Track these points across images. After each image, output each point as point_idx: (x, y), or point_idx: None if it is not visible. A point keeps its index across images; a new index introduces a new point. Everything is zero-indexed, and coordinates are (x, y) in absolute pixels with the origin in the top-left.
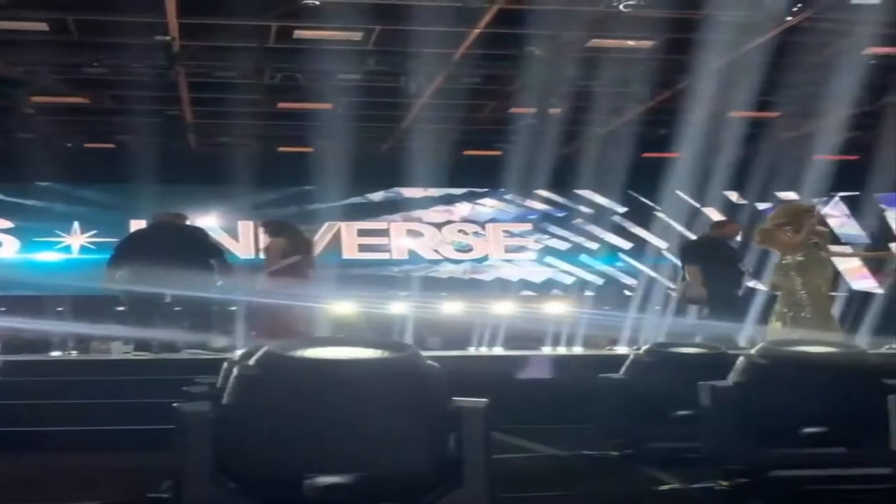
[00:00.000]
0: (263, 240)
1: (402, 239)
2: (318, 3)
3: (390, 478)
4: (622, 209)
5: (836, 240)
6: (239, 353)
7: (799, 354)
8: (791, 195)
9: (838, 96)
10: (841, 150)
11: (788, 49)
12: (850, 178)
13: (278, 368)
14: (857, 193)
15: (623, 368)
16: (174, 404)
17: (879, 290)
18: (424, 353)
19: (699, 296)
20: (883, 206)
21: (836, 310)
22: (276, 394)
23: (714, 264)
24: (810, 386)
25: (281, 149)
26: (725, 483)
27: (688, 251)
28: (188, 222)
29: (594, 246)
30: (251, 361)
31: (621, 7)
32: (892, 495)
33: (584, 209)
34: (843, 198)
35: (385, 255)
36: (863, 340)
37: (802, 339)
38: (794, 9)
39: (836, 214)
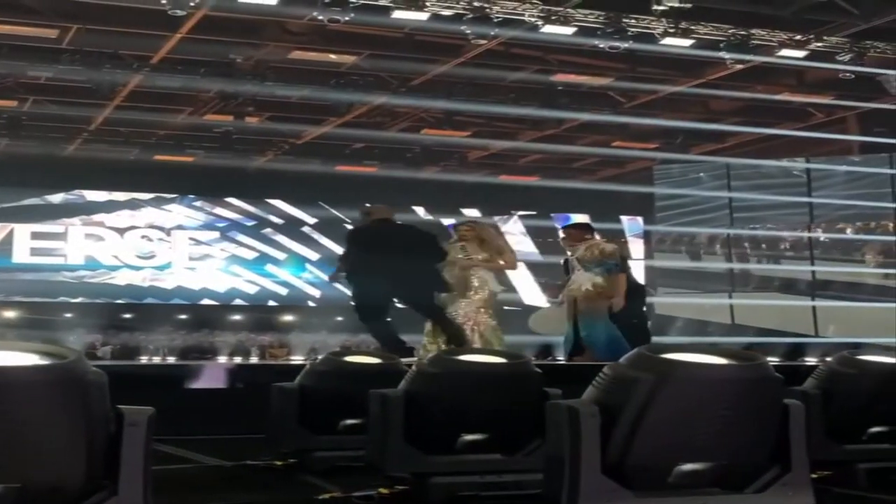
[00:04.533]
0: None
1: (79, 243)
2: None
3: (41, 488)
4: (313, 220)
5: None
6: None
7: (465, 364)
8: (475, 212)
9: (526, 119)
10: (523, 171)
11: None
12: (530, 198)
13: None
14: (534, 213)
15: (297, 378)
16: None
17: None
18: (92, 362)
19: None
20: (557, 224)
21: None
22: None
23: None
24: (474, 394)
25: None
26: (385, 490)
27: None
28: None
29: (281, 256)
30: None
31: (325, 21)
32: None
33: (274, 219)
34: (521, 216)
35: (60, 260)
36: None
37: (473, 350)
38: (492, 33)
39: (514, 232)
